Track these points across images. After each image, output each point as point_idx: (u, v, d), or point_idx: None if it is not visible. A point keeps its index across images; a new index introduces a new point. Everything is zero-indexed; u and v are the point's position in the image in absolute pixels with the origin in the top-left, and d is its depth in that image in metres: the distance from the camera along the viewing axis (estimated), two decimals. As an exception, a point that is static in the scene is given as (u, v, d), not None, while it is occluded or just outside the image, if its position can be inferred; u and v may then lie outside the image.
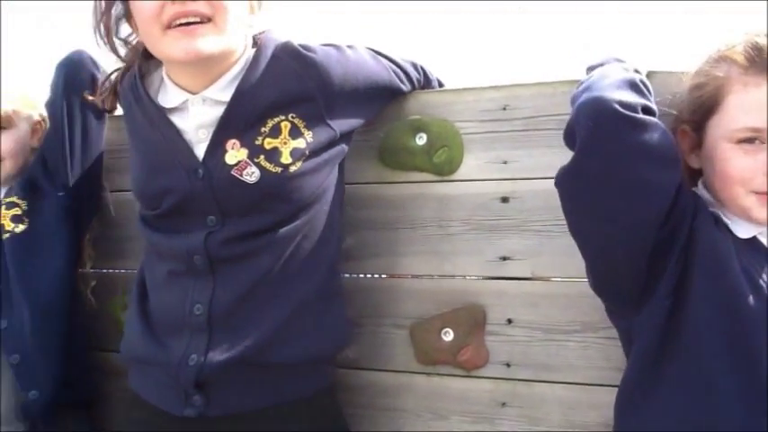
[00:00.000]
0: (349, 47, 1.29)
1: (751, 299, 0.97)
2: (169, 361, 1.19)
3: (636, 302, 1.04)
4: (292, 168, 1.18)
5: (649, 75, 1.16)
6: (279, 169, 1.17)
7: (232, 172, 1.17)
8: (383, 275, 1.41)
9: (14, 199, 1.50)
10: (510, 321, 1.31)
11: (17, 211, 1.49)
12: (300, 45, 1.23)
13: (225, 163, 1.18)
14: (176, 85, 1.23)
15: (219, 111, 1.20)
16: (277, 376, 1.21)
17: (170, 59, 1.19)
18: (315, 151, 1.21)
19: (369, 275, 1.41)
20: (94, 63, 1.52)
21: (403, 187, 1.39)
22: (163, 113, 1.23)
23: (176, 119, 1.23)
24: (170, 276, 1.24)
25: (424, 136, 1.36)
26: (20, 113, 1.54)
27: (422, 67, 1.43)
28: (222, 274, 1.19)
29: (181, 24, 1.12)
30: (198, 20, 1.12)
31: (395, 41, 1.49)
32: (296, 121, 1.20)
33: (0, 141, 1.49)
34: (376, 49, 1.35)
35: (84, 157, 1.52)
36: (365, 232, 1.40)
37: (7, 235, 1.47)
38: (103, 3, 1.23)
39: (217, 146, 1.19)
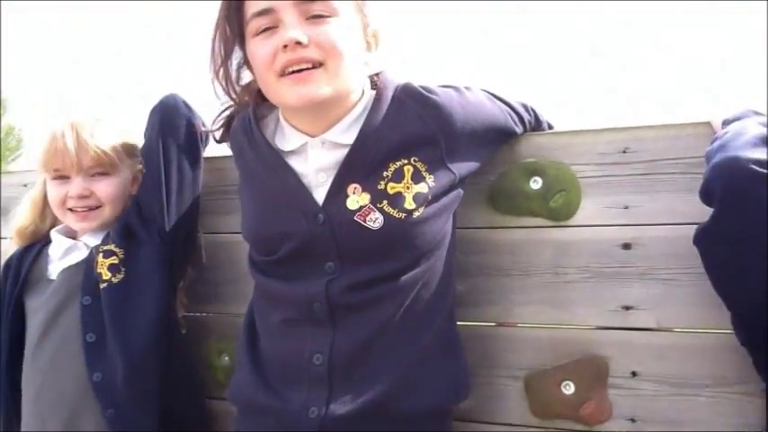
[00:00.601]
0: (467, 88, 1.26)
1: None
2: (287, 412, 1.17)
3: None
4: (416, 214, 1.15)
5: None
6: (403, 215, 1.14)
7: (355, 218, 1.14)
8: (496, 324, 1.36)
9: (112, 247, 1.46)
10: (634, 374, 1.25)
11: (114, 260, 1.46)
12: (421, 87, 1.21)
13: (347, 208, 1.15)
14: (294, 128, 1.22)
15: (340, 154, 1.18)
16: (398, 428, 1.16)
17: (286, 105, 1.19)
18: (436, 196, 1.17)
19: (481, 323, 1.36)
20: (188, 107, 1.52)
21: (516, 232, 1.35)
22: (280, 156, 1.22)
23: (294, 162, 1.21)
24: (285, 324, 1.21)
25: (540, 180, 1.32)
26: (125, 160, 1.53)
27: (532, 109, 1.39)
28: (342, 322, 1.16)
29: (294, 72, 1.11)
30: (310, 66, 1.11)
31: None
32: (418, 164, 1.17)
33: (102, 187, 1.48)
34: (490, 90, 1.31)
35: (181, 203, 1.50)
36: (477, 279, 1.35)
37: (105, 285, 1.43)
38: (223, 49, 1.21)
39: (338, 190, 1.16)
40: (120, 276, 1.45)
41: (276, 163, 1.22)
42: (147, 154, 1.50)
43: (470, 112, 1.22)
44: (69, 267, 1.48)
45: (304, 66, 1.11)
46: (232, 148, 1.35)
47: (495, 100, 1.30)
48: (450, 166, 1.19)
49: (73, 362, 1.41)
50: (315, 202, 1.17)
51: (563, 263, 1.31)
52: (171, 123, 1.49)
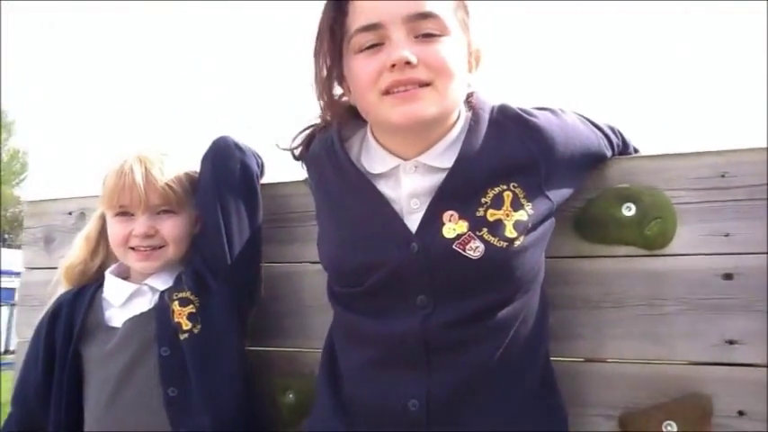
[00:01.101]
0: (562, 110, 1.20)
1: None
2: None
3: None
4: (516, 243, 1.07)
5: None
6: (504, 244, 1.07)
7: (454, 246, 1.06)
8: (585, 359, 1.28)
9: (188, 295, 1.38)
10: (741, 413, 1.17)
11: (192, 308, 1.37)
12: (520, 108, 1.15)
13: (443, 236, 1.07)
14: (385, 149, 1.15)
15: (436, 179, 1.11)
16: None
17: (388, 125, 1.11)
18: (534, 225, 1.10)
19: (571, 359, 1.28)
20: (240, 148, 1.45)
21: (606, 262, 1.28)
22: (368, 180, 1.15)
23: (384, 186, 1.14)
24: (372, 364, 1.13)
25: (633, 206, 1.25)
26: (190, 198, 1.45)
27: (619, 131, 1.32)
28: (438, 363, 1.08)
29: (398, 91, 1.05)
30: (413, 84, 1.05)
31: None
32: (517, 191, 1.10)
33: (167, 226, 1.40)
34: (579, 112, 1.25)
35: (244, 249, 1.41)
36: (565, 311, 1.28)
37: (186, 336, 1.35)
38: (327, 64, 1.14)
39: (433, 217, 1.09)
40: (198, 326, 1.37)
41: (363, 187, 1.15)
42: (204, 205, 1.42)
43: (569, 135, 1.16)
44: (139, 315, 1.39)
45: (411, 87, 1.05)
46: (309, 169, 1.29)
47: (587, 122, 1.24)
48: (547, 193, 1.13)
49: (154, 418, 1.32)
50: (407, 230, 1.10)
51: (659, 294, 1.23)
52: (224, 169, 1.43)
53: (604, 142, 1.26)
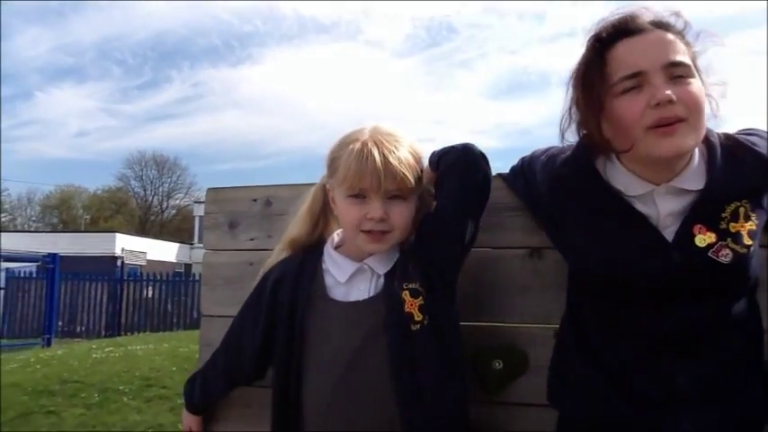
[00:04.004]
0: (761, 131, 1.43)
1: None
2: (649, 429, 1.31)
3: None
4: (752, 248, 1.31)
5: None
6: (745, 250, 1.29)
7: (709, 254, 1.28)
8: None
9: (417, 286, 1.47)
10: None
11: (421, 301, 1.46)
12: (740, 137, 1.39)
13: (697, 246, 1.29)
14: (636, 175, 1.35)
15: (687, 199, 1.32)
16: None
17: (651, 156, 1.29)
18: (757, 234, 1.33)
19: None
20: (484, 158, 1.54)
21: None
22: (624, 201, 1.36)
23: (640, 206, 1.35)
24: (637, 346, 1.34)
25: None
26: (417, 186, 1.51)
27: None
28: (697, 348, 1.31)
29: (661, 126, 1.25)
30: (675, 121, 1.25)
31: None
32: (747, 206, 1.33)
33: (397, 212, 1.47)
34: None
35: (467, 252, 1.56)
36: None
37: (417, 327, 1.44)
38: (594, 106, 1.34)
39: (686, 231, 1.31)
40: (428, 318, 1.45)
41: (621, 207, 1.36)
42: (447, 211, 1.51)
43: None
44: (368, 300, 1.49)
45: (671, 120, 1.25)
46: (556, 182, 1.47)
47: None
48: (763, 203, 1.36)
49: (383, 405, 1.42)
50: (666, 242, 1.31)
51: None
52: (472, 182, 1.51)
53: None
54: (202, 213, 2.07)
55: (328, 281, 1.53)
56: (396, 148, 1.46)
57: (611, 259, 1.36)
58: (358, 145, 1.46)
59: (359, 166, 1.43)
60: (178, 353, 8.42)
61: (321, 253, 1.58)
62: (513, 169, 1.68)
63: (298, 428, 1.51)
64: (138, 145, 76.18)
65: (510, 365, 1.64)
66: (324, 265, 1.56)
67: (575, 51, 1.39)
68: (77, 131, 74.27)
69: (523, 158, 1.65)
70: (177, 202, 49.59)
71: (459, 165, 1.51)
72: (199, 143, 77.71)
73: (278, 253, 1.66)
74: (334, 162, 1.51)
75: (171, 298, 16.12)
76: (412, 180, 1.47)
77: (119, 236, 30.77)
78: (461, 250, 1.53)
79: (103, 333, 14.77)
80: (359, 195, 1.46)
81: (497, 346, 1.67)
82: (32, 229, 40.18)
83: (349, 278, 1.51)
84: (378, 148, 1.44)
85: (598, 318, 1.42)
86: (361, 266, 1.52)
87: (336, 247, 1.58)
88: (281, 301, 1.54)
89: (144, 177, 49.84)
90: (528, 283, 1.67)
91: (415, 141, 1.54)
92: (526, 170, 1.61)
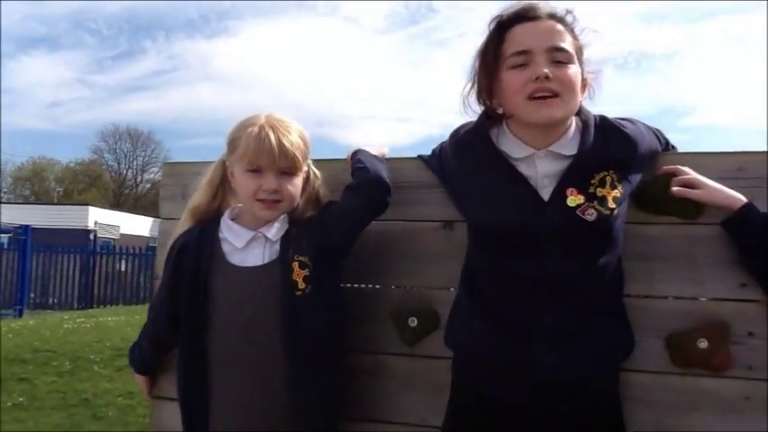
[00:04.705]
0: (636, 121, 1.70)
1: None
2: (525, 362, 1.55)
3: None
4: (615, 212, 1.56)
5: None
6: (608, 212, 1.55)
7: (577, 212, 1.53)
8: (644, 296, 1.78)
9: (306, 260, 1.73)
10: (751, 334, 1.71)
11: (307, 272, 1.72)
12: (614, 120, 1.63)
13: (567, 205, 1.54)
14: (521, 140, 1.61)
15: (562, 164, 1.57)
16: (606, 367, 1.63)
17: (527, 121, 1.56)
18: (622, 200, 1.59)
19: (631, 295, 1.76)
20: (382, 161, 1.87)
21: (656, 228, 1.78)
22: (508, 163, 1.60)
23: (522, 168, 1.60)
24: (515, 292, 1.59)
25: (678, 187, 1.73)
26: (303, 164, 1.79)
27: (661, 132, 1.82)
28: (564, 294, 1.55)
29: (538, 98, 1.51)
30: (550, 95, 1.51)
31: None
32: (614, 176, 1.58)
33: (288, 185, 1.75)
34: (641, 120, 1.75)
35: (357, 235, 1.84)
36: (627, 262, 1.74)
37: (300, 293, 1.70)
38: (486, 77, 1.61)
39: (560, 191, 1.56)
40: (310, 288, 1.72)
41: (506, 168, 1.60)
42: (346, 209, 1.79)
43: (646, 141, 1.67)
44: (265, 266, 1.73)
45: (546, 93, 1.51)
46: (464, 152, 1.72)
47: (649, 129, 1.74)
48: (630, 177, 1.62)
49: (275, 356, 1.69)
50: (542, 200, 1.56)
51: (695, 251, 1.74)
52: (368, 195, 1.79)
53: (659, 142, 1.76)
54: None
55: (225, 248, 1.77)
56: (288, 132, 1.74)
57: (495, 214, 1.60)
58: (256, 128, 1.72)
59: (257, 146, 1.71)
60: None
61: (218, 223, 1.82)
62: (433, 151, 1.92)
63: (203, 379, 1.74)
64: (113, 117, 75.62)
65: (423, 322, 1.88)
66: (221, 234, 1.79)
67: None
68: (51, 102, 73.44)
69: (442, 143, 1.88)
70: (151, 176, 49.36)
71: (368, 190, 1.79)
72: (173, 117, 77.42)
73: (182, 224, 1.89)
74: (234, 142, 1.77)
75: (144, 272, 16.22)
76: (300, 159, 1.76)
77: (92, 209, 30.68)
78: (353, 241, 1.83)
79: (76, 305, 14.88)
80: (256, 170, 1.73)
81: (413, 305, 1.92)
82: (4, 201, 39.84)
83: (245, 245, 1.75)
84: (273, 132, 1.71)
85: (484, 266, 1.67)
86: (255, 234, 1.76)
87: (232, 219, 1.82)
88: (185, 267, 1.77)
89: (118, 150, 49.89)
90: (441, 252, 1.91)
91: (302, 128, 1.81)
92: (443, 150, 1.86)
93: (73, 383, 6.04)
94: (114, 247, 19.82)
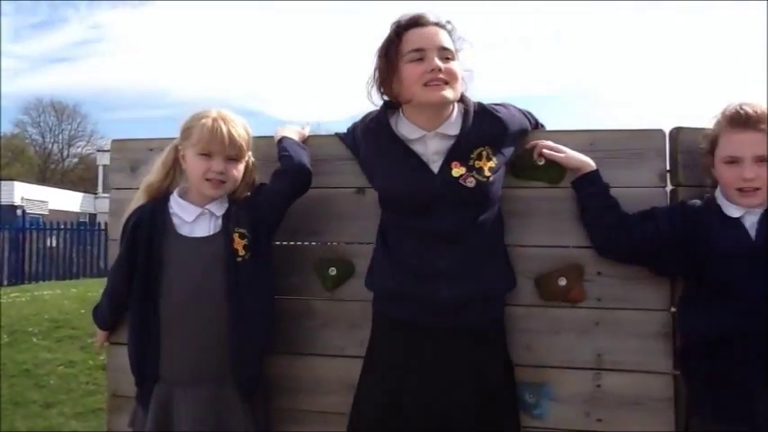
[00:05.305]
0: (509, 105, 2.11)
1: None
2: (423, 294, 1.94)
3: None
4: (491, 179, 1.97)
5: (680, 130, 2.04)
6: (485, 179, 1.95)
7: (460, 181, 1.93)
8: (517, 245, 2.20)
9: (245, 231, 2.07)
10: (599, 273, 2.16)
11: (246, 242, 2.06)
12: (489, 106, 2.04)
13: (452, 175, 1.94)
14: (414, 124, 2.00)
15: (448, 143, 1.97)
16: (488, 305, 2.02)
17: (424, 103, 1.95)
18: (497, 169, 2.00)
19: (508, 244, 2.17)
20: (303, 147, 2.24)
21: (527, 191, 2.21)
22: (405, 144, 2.00)
23: (416, 147, 1.99)
24: (416, 243, 1.97)
25: (543, 159, 2.16)
26: (246, 152, 2.12)
27: (533, 115, 2.25)
28: (453, 242, 1.94)
29: (432, 85, 1.91)
30: (441, 83, 1.91)
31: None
32: (489, 150, 1.99)
33: (233, 169, 2.07)
34: (515, 105, 2.16)
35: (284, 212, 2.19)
36: (505, 218, 2.15)
37: (240, 259, 2.05)
38: (388, 71, 1.99)
39: (447, 165, 1.95)
40: (248, 254, 2.06)
41: (403, 147, 1.99)
42: (278, 198, 2.15)
43: (516, 122, 2.08)
44: (209, 237, 2.06)
45: (439, 82, 1.91)
46: (367, 136, 2.12)
47: (520, 110, 2.15)
48: (503, 151, 2.04)
49: (220, 314, 2.02)
50: (432, 172, 1.96)
51: (557, 208, 2.18)
52: (297, 178, 2.15)
53: (529, 122, 2.18)
54: (106, 162, 2.61)
55: (176, 221, 2.08)
56: (236, 125, 2.09)
57: (396, 184, 2.01)
58: (210, 120, 2.05)
59: (211, 135, 2.04)
60: (87, 297, 8.61)
61: (167, 201, 2.13)
62: (348, 129, 2.30)
63: (156, 333, 2.04)
64: (35, 89, 72.67)
65: (341, 271, 2.28)
66: (171, 210, 2.10)
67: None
68: (-33, 72, 70.37)
69: (355, 122, 2.26)
70: (79, 150, 48.17)
71: (292, 177, 2.15)
72: (100, 89, 75.05)
73: (137, 199, 2.18)
74: (188, 130, 2.09)
75: (76, 247, 16.18)
76: (245, 148, 2.11)
77: (18, 184, 29.90)
78: (281, 216, 2.18)
79: (6, 282, 14.66)
80: (207, 155, 2.06)
81: (333, 257, 2.31)
82: None
83: (195, 218, 2.08)
84: (225, 124, 2.05)
85: (392, 224, 2.06)
86: (202, 210, 2.10)
87: (180, 197, 2.13)
88: (140, 238, 2.07)
89: (42, 124, 48.09)
90: (354, 213, 2.30)
91: (246, 123, 2.15)
92: (356, 129, 2.24)
93: (12, 355, 6.17)
94: (44, 223, 19.50)
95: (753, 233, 1.88)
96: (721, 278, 1.88)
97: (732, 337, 1.83)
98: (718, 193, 1.99)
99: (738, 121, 1.90)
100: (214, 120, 2.05)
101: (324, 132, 2.41)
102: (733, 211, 1.92)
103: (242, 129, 2.10)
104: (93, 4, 72.79)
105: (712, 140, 1.97)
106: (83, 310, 7.56)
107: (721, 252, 1.88)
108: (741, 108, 1.91)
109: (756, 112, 1.88)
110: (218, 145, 2.04)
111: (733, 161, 1.90)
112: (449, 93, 1.93)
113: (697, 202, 2.01)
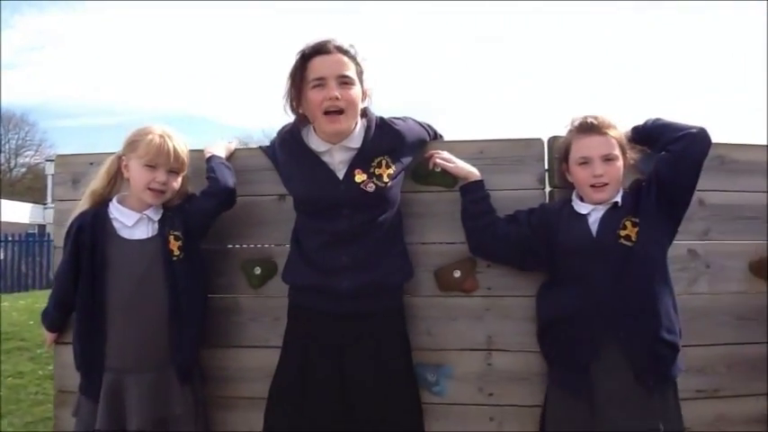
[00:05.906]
0: (407, 118, 2.40)
1: None
2: (328, 286, 2.21)
3: None
4: (389, 184, 2.25)
5: (556, 138, 2.38)
6: (383, 185, 2.24)
7: (361, 186, 2.21)
8: (419, 243, 2.50)
9: (179, 233, 2.33)
10: (489, 266, 2.47)
11: (180, 243, 2.32)
12: (389, 120, 2.33)
13: (355, 182, 2.22)
14: (322, 139, 2.26)
15: (351, 154, 2.25)
16: (385, 295, 2.29)
17: (322, 132, 2.23)
18: (396, 176, 2.29)
19: (409, 243, 2.45)
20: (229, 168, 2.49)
21: (427, 195, 2.50)
22: (315, 155, 2.27)
23: (324, 158, 2.26)
24: (323, 241, 2.24)
25: (438, 167, 2.46)
26: (185, 166, 2.35)
27: (432, 127, 2.55)
28: (355, 240, 2.22)
29: (329, 113, 2.17)
30: (338, 110, 2.17)
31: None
32: (388, 160, 2.28)
33: (173, 181, 2.31)
34: (414, 118, 2.46)
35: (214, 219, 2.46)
36: (406, 219, 2.44)
37: (176, 258, 2.30)
38: (295, 94, 2.24)
39: (350, 173, 2.23)
40: (183, 255, 2.32)
41: (313, 158, 2.27)
42: (209, 209, 2.41)
43: (413, 133, 2.38)
44: (147, 239, 2.30)
45: (336, 109, 2.16)
46: (282, 147, 2.39)
47: (418, 123, 2.45)
48: (402, 160, 2.33)
49: (160, 310, 2.26)
50: (338, 179, 2.23)
51: (453, 210, 2.46)
52: (224, 190, 2.41)
53: (428, 133, 2.49)
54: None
55: (116, 225, 2.30)
56: (178, 142, 2.33)
57: (307, 190, 2.28)
58: (156, 136, 2.29)
59: (158, 149, 2.27)
60: (35, 308, 8.46)
61: (108, 207, 2.34)
62: (271, 142, 2.56)
63: (101, 327, 2.25)
64: (-20, 98, 70.51)
65: (265, 271, 2.56)
66: (111, 215, 2.31)
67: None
68: None
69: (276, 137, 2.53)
70: (27, 159, 47.01)
71: (218, 197, 2.42)
72: (48, 96, 73.54)
73: (81, 205, 2.37)
74: (134, 143, 2.31)
75: (25, 259, 16.00)
76: (186, 163, 2.35)
77: (-38, 196, 29.13)
78: (209, 226, 2.46)
79: (-49, 296, 14.36)
80: (152, 166, 2.28)
81: (257, 258, 2.58)
82: None
83: (135, 224, 2.31)
84: (169, 140, 2.30)
85: (303, 225, 2.33)
86: (141, 216, 2.32)
87: (120, 203, 2.34)
88: (83, 241, 2.26)
89: (-12, 134, 46.89)
90: (276, 218, 2.56)
91: (185, 139, 2.38)
92: (275, 142, 2.50)
93: (-40, 368, 6.11)
94: (-9, 235, 19.15)
95: (594, 229, 2.20)
96: (568, 269, 2.22)
97: (572, 317, 2.17)
98: (574, 194, 2.33)
99: (586, 127, 2.25)
100: (160, 135, 2.28)
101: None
102: (582, 209, 2.25)
103: (183, 145, 2.34)
104: (44, 8, 70.87)
105: (566, 148, 2.31)
106: (31, 322, 7.54)
107: (566, 247, 2.22)
108: (587, 118, 2.26)
109: (600, 120, 2.24)
110: (164, 158, 2.27)
111: (584, 162, 2.23)
112: (342, 123, 2.18)
113: (557, 203, 2.35)
